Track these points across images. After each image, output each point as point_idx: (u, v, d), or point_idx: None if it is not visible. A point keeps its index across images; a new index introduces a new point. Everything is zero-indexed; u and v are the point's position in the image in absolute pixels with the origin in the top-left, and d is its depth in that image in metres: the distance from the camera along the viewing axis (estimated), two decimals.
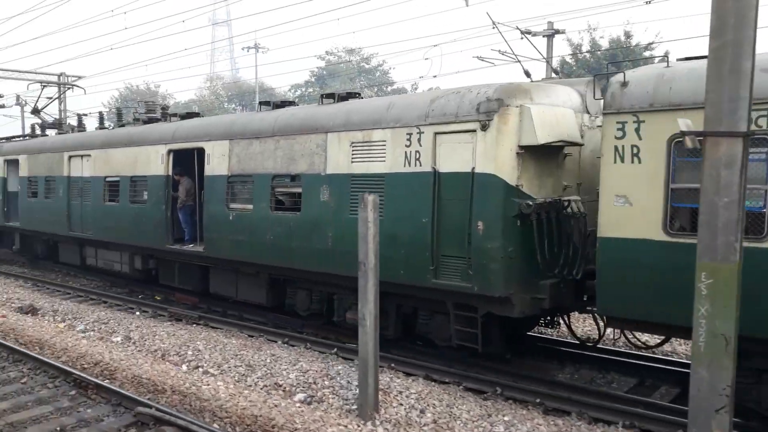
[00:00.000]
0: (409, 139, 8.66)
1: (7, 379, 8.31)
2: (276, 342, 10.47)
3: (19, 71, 27.70)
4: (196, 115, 14.55)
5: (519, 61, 14.66)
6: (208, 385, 7.91)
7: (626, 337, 8.80)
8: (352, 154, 9.45)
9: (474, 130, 7.95)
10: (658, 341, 8.65)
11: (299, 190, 10.32)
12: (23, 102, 22.29)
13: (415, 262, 8.60)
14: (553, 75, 12.77)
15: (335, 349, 9.70)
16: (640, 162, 7.00)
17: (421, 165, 8.51)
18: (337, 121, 9.79)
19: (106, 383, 7.83)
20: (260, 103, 12.34)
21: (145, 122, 15.09)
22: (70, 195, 16.22)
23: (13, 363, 9.01)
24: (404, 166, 8.72)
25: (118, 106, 31.58)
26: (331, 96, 10.88)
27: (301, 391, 7.77)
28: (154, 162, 13.22)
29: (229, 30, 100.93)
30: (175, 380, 8.05)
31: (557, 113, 8.18)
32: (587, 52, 30.88)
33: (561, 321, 9.67)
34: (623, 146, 7.10)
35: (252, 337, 10.92)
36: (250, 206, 11.15)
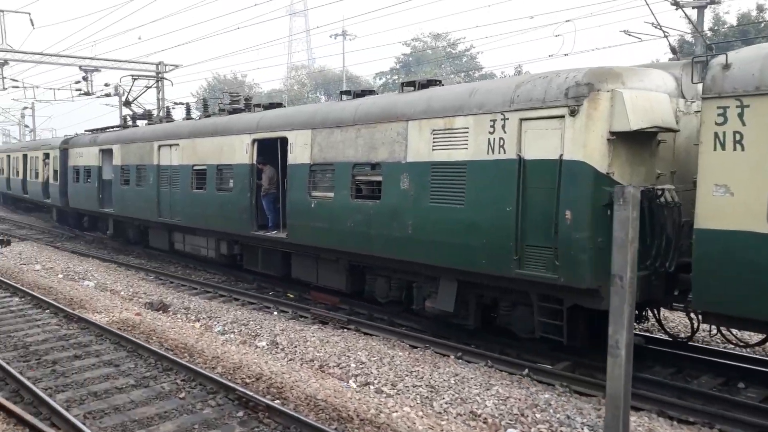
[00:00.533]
0: (492, 126, 8.51)
1: (162, 392, 7.45)
2: (448, 356, 9.15)
3: (120, 60, 29.30)
4: (279, 105, 14.90)
5: (666, 36, 13.76)
6: (396, 411, 6.86)
7: (722, 334, 8.35)
8: (433, 142, 9.40)
9: (562, 116, 7.71)
10: (760, 339, 8.13)
11: (379, 178, 10.38)
12: (122, 92, 23.63)
13: (497, 252, 8.47)
14: (672, 56, 11.87)
15: (527, 370, 8.37)
16: (743, 149, 6.59)
17: (505, 152, 8.36)
18: (417, 109, 9.76)
19: (277, 404, 6.78)
20: (341, 92, 12.49)
21: (230, 113, 15.61)
22: (160, 183, 17.03)
23: (163, 372, 8.15)
24: (487, 153, 8.58)
25: (205, 96, 32.83)
26: (411, 84, 10.86)
27: (510, 426, 6.61)
28: (239, 151, 13.66)
29: (306, 20, 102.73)
30: (357, 404, 6.99)
31: (651, 98, 7.80)
32: (709, 30, 27.44)
33: (651, 315, 9.29)
34: (724, 132, 6.71)
35: (415, 348, 9.63)
36: (331, 194, 11.33)
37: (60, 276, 15.74)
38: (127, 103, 23.48)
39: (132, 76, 23.36)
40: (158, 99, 28.74)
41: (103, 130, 23.14)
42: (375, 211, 10.38)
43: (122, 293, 13.78)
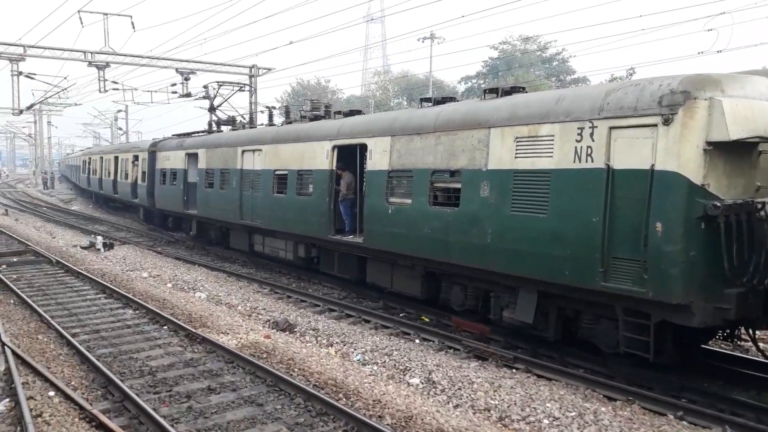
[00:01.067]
0: (580, 134, 8.33)
1: None
2: (665, 415, 7.41)
3: (214, 63, 30.48)
4: (359, 112, 15.15)
5: None
6: None
7: None
8: (516, 150, 9.29)
9: (655, 125, 7.45)
10: None
11: (458, 185, 10.35)
12: (213, 95, 24.65)
13: (582, 263, 8.26)
14: None
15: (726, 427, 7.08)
16: None
17: (592, 161, 8.15)
18: (500, 116, 9.69)
19: None
20: (421, 99, 12.56)
21: (311, 119, 16.02)
22: (242, 186, 17.64)
23: (319, 417, 6.89)
24: (573, 162, 8.40)
25: (288, 101, 33.70)
26: (494, 91, 10.78)
27: None
28: (320, 157, 13.98)
29: (382, 26, 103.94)
30: None
31: (753, 107, 7.42)
32: None
33: (747, 335, 8.79)
34: None
35: (613, 400, 7.94)
36: (409, 200, 11.40)
37: (169, 285, 15.02)
38: (212, 109, 24.43)
39: (217, 82, 24.29)
40: (251, 103, 29.58)
41: (189, 134, 24.23)
42: (453, 219, 10.36)
43: (239, 308, 12.78)
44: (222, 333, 10.18)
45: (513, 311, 9.73)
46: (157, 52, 30.90)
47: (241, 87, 24.02)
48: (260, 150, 16.79)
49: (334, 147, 13.66)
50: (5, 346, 8.86)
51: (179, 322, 10.61)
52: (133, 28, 26.23)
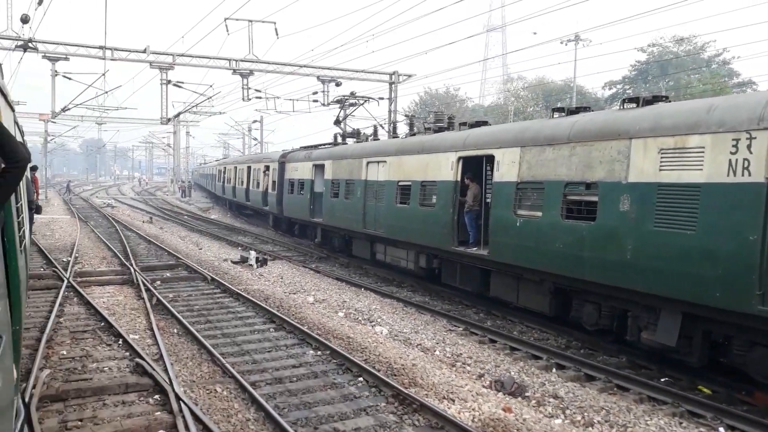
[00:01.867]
0: (735, 146, 7.69)
1: None
2: None
3: (355, 71, 30.86)
4: (485, 123, 15.03)
5: None
6: None
7: None
8: (661, 162, 8.75)
9: None
10: None
11: (595, 198, 9.92)
12: (346, 105, 25.18)
13: (735, 285, 7.60)
14: None
15: None
16: None
17: (750, 175, 7.49)
18: (643, 126, 9.18)
19: None
20: (553, 109, 12.23)
21: (435, 131, 16.12)
22: (366, 196, 18.09)
23: None
24: (727, 175, 7.76)
25: (413, 113, 33.82)
26: (634, 100, 10.27)
27: None
28: (444, 168, 14.02)
29: (503, 35, 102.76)
30: None
31: None
32: None
33: None
34: None
35: None
36: (539, 213, 11.09)
37: (341, 315, 12.77)
38: (338, 122, 25.32)
39: (343, 96, 25.13)
40: (390, 111, 29.78)
41: (315, 146, 25.28)
42: (588, 233, 9.94)
43: (438, 353, 10.24)
44: (444, 398, 7.68)
45: (653, 333, 9.13)
46: (297, 60, 30.82)
47: (367, 100, 24.57)
48: (384, 161, 17.14)
49: (459, 158, 13.63)
50: (181, 403, 7.01)
51: (380, 375, 8.23)
52: (277, 34, 25.69)
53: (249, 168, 33.28)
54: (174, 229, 29.99)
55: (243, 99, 31.17)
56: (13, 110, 6.71)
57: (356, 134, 23.44)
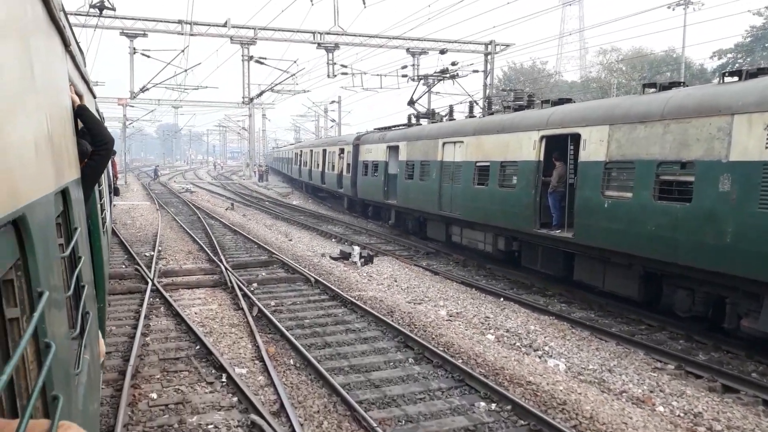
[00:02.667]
0: None
1: None
2: None
3: (449, 41, 29.16)
4: (569, 100, 14.47)
5: None
6: None
7: None
8: (767, 140, 8.14)
9: None
10: None
11: (691, 178, 9.38)
12: (432, 82, 24.25)
13: None
14: None
15: None
16: None
17: None
18: (747, 101, 8.55)
19: None
20: (644, 85, 11.62)
21: (515, 110, 15.69)
22: (442, 178, 17.91)
23: None
24: None
25: (491, 91, 32.45)
26: (736, 73, 9.58)
27: None
28: (526, 148, 13.63)
29: (580, 8, 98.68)
30: None
31: None
32: None
33: None
34: None
35: None
36: (629, 194, 10.61)
37: (490, 338, 9.86)
38: (411, 102, 24.95)
39: (418, 76, 24.71)
40: (485, 85, 27.90)
41: (389, 128, 25.24)
42: (683, 215, 9.42)
43: (660, 409, 7.17)
44: None
45: (755, 320, 8.59)
46: (385, 31, 28.55)
47: (443, 78, 24.06)
48: (461, 142, 16.87)
49: (542, 137, 13.22)
50: None
51: None
52: (364, 3, 23.79)
53: (324, 151, 33.70)
54: (258, 216, 28.29)
55: (328, 75, 29.29)
56: (94, 96, 7.04)
57: (431, 114, 23.18)
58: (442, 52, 27.98)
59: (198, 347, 9.00)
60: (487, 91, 28.30)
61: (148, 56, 29.87)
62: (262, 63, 29.84)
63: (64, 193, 2.88)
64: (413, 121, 24.12)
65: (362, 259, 16.16)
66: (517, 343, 9.72)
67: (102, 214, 6.17)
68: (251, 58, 29.50)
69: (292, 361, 8.56)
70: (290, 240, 20.63)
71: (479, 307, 11.99)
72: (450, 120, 21.19)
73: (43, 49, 2.55)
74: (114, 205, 13.43)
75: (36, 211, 1.92)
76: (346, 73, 30.45)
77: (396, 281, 14.27)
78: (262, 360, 8.40)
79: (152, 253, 16.73)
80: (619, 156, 10.89)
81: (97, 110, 8.18)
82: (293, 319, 10.75)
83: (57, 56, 3.14)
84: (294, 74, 30.88)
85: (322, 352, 8.98)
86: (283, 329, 9.72)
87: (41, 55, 2.45)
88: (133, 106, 59.77)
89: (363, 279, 14.37)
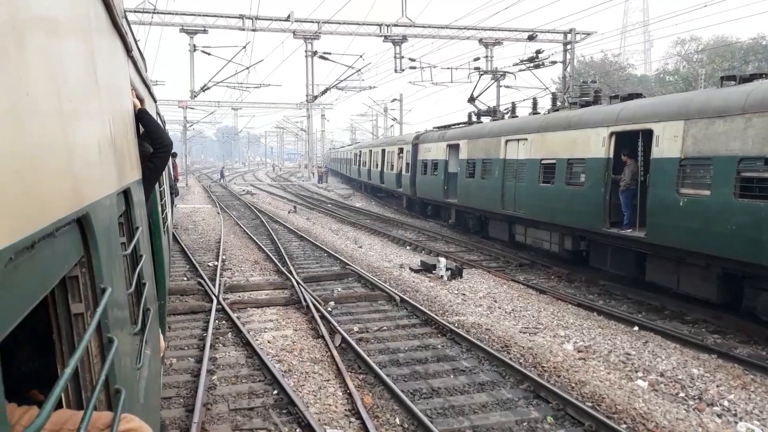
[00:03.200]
0: None
1: None
2: None
3: (524, 30, 27.58)
4: (638, 95, 13.99)
5: None
6: None
7: None
8: None
9: None
10: None
11: None
12: (500, 75, 23.44)
13: None
14: None
15: None
16: None
17: None
18: None
19: None
20: (722, 78, 11.09)
21: (581, 106, 15.29)
22: (505, 176, 17.64)
23: None
24: None
25: (570, 84, 30.50)
26: None
27: None
28: (594, 145, 13.26)
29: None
30: None
31: None
32: None
33: None
34: None
35: None
36: (707, 192, 10.15)
37: (642, 384, 7.85)
38: (472, 99, 24.51)
39: (477, 69, 24.10)
40: (564, 76, 26.10)
41: (448, 126, 25.08)
42: (767, 214, 8.94)
43: None
44: None
45: None
46: (454, 22, 26.71)
47: (503, 74, 23.57)
48: (525, 139, 16.58)
49: (611, 134, 12.82)
50: None
51: None
52: None
53: (383, 151, 33.84)
54: (322, 220, 26.87)
55: (395, 70, 27.56)
56: (155, 100, 7.31)
57: (492, 112, 22.86)
58: (531, 38, 26.00)
59: (276, 392, 7.42)
60: (567, 83, 26.70)
61: (209, 53, 28.96)
62: (326, 59, 28.39)
63: (126, 194, 2.99)
64: (473, 118, 23.84)
65: (449, 272, 14.26)
66: (681, 394, 7.54)
67: (162, 214, 6.39)
68: (315, 53, 28.16)
69: (397, 420, 6.69)
70: (360, 247, 19.16)
71: (612, 339, 9.83)
72: (512, 117, 20.83)
73: (106, 54, 2.65)
74: (175, 206, 12.89)
75: (99, 211, 1.98)
76: (414, 67, 28.50)
77: (496, 301, 12.29)
78: (358, 416, 6.66)
79: (216, 263, 15.63)
80: (695, 152, 10.43)
81: (158, 113, 8.47)
82: (384, 352, 9.04)
83: (119, 61, 3.26)
84: (359, 70, 28.92)
85: (430, 403, 7.17)
86: (377, 368, 7.96)
87: (104, 60, 2.54)
88: (193, 108, 58.64)
89: (456, 298, 12.45)
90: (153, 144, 4.06)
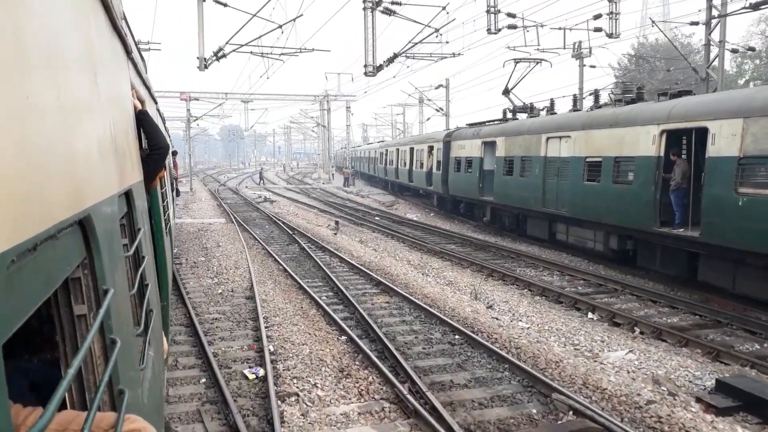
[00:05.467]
0: None
1: None
2: None
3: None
4: (688, 92, 13.76)
5: None
6: None
7: None
8: None
9: None
10: None
11: None
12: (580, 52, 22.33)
13: None
14: None
15: None
16: None
17: None
18: None
19: None
20: None
21: (627, 103, 15.08)
22: (546, 174, 17.48)
23: None
24: None
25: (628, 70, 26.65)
26: None
27: None
28: (644, 142, 13.09)
29: None
30: None
31: None
32: None
33: None
34: None
35: None
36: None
37: None
38: (506, 92, 23.72)
39: (514, 60, 23.06)
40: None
41: (483, 123, 24.89)
42: None
43: None
44: None
45: None
46: None
47: (539, 62, 22.67)
48: (568, 136, 16.41)
49: (662, 132, 12.63)
50: None
51: None
52: None
53: (411, 149, 33.78)
54: (387, 245, 19.08)
55: (488, 31, 19.77)
56: (155, 101, 7.38)
57: (529, 109, 22.58)
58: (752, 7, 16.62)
59: None
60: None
61: (225, 4, 19.62)
62: (391, 13, 19.35)
63: (128, 195, 3.00)
64: (508, 115, 23.50)
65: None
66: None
67: (165, 215, 6.43)
68: (378, 3, 18.95)
69: None
70: (489, 307, 11.35)
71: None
72: (550, 114, 20.56)
73: (107, 56, 2.66)
74: (176, 203, 11.30)
75: (101, 212, 1.99)
76: (514, 26, 21.18)
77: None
78: None
79: (260, 371, 7.86)
80: (755, 151, 10.24)
81: (159, 111, 8.51)
82: None
83: (119, 63, 3.28)
84: (437, 30, 20.61)
85: None
86: None
87: (105, 62, 2.54)
88: (197, 99, 51.22)
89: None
90: (149, 145, 4.13)
